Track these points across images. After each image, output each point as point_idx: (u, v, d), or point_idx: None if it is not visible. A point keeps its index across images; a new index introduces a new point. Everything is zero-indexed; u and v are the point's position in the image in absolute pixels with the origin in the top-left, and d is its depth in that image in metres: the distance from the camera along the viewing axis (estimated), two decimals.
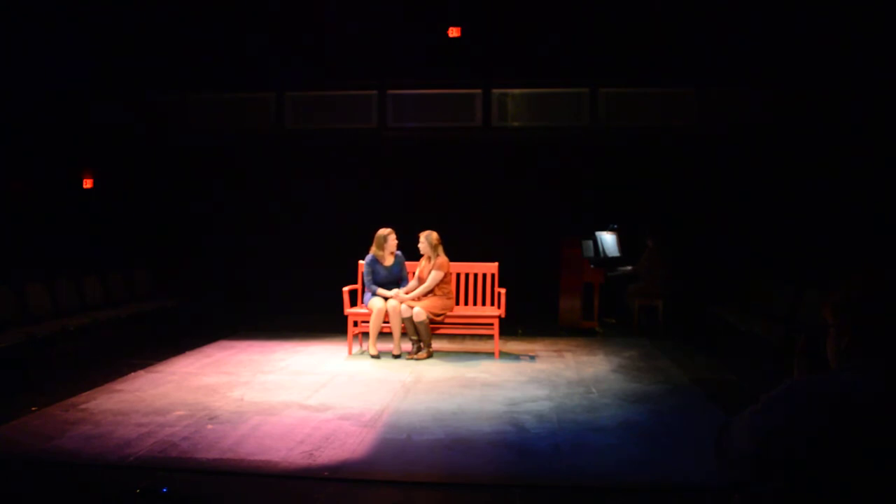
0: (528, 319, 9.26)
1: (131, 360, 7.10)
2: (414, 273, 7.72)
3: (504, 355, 7.56)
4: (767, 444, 1.30)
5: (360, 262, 7.80)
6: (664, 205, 10.11)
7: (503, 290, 7.62)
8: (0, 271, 7.87)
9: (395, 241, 7.61)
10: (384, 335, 7.63)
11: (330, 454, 4.41)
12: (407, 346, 7.55)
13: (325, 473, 4.11)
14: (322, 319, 9.09)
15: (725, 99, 9.69)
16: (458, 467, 4.24)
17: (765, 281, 8.46)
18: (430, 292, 7.46)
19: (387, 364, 7.15)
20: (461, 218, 10.04)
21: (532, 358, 7.48)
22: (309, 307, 9.96)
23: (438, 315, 7.40)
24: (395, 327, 7.39)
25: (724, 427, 1.45)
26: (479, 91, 10.02)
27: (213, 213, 10.87)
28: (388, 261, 7.59)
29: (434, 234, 7.53)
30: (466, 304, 7.91)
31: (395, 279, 7.65)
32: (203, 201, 10.86)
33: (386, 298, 7.44)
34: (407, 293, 7.49)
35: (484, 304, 7.85)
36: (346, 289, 7.71)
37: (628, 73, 9.85)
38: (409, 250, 7.74)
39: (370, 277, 7.53)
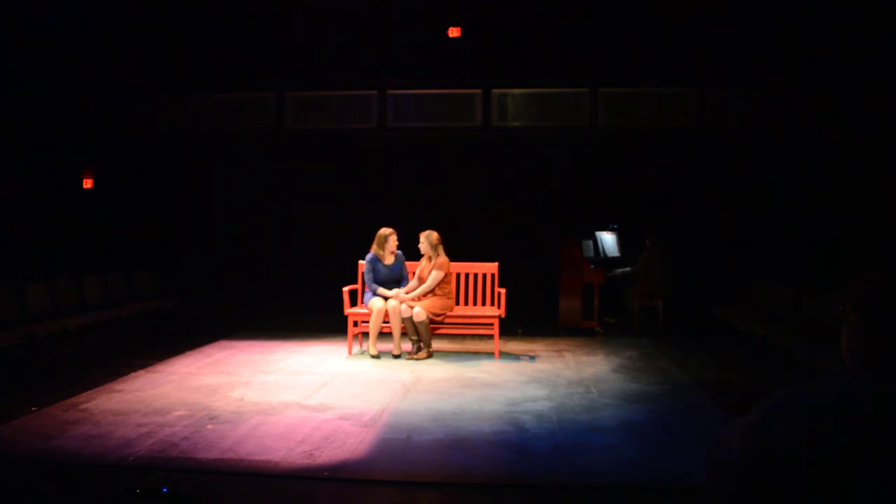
0: (528, 319, 9.26)
1: (131, 360, 7.10)
2: (414, 272, 7.72)
3: (504, 355, 7.56)
4: (765, 454, 1.26)
5: (361, 261, 7.81)
6: (664, 205, 10.11)
7: (503, 290, 7.62)
8: (0, 271, 7.87)
9: (396, 242, 7.62)
10: (384, 335, 7.63)
11: (330, 454, 4.41)
12: (407, 346, 7.55)
13: (325, 473, 4.11)
14: (322, 319, 9.08)
15: (725, 99, 9.69)
16: (458, 467, 4.24)
17: (765, 281, 8.46)
18: (431, 292, 7.46)
19: (387, 364, 7.15)
20: (461, 218, 10.03)
21: (532, 358, 7.48)
22: (309, 307, 9.96)
23: (438, 315, 7.40)
24: (395, 327, 7.39)
25: (717, 440, 1.40)
26: (479, 91, 10.02)
27: (212, 213, 10.87)
28: (389, 260, 7.59)
29: (434, 234, 7.53)
30: (466, 304, 7.91)
31: (395, 278, 7.66)
32: (203, 201, 10.86)
33: (386, 298, 7.44)
34: (407, 293, 7.49)
35: (484, 304, 7.85)
36: (346, 289, 7.71)
37: (628, 73, 9.85)
38: (410, 250, 7.74)
39: (371, 276, 7.53)
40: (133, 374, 6.55)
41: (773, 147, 9.68)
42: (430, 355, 7.41)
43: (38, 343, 6.68)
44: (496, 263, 7.87)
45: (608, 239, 9.97)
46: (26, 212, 9.98)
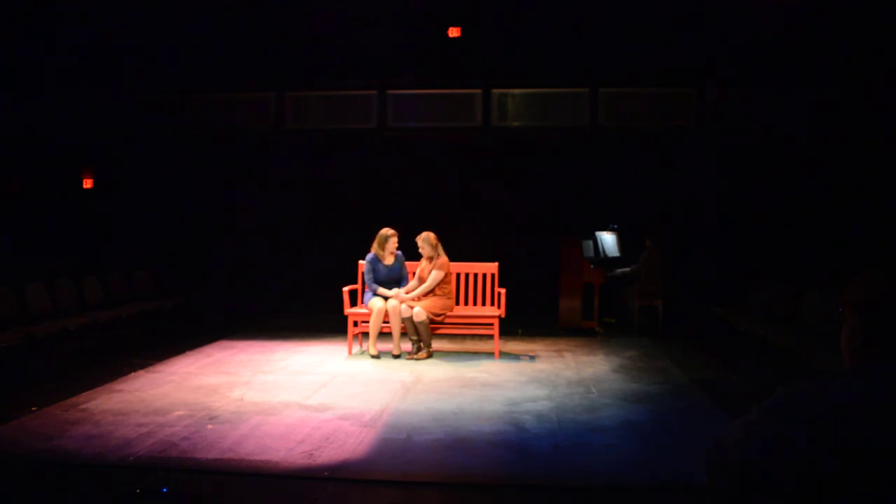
0: (528, 319, 9.26)
1: (131, 360, 7.10)
2: (414, 273, 7.72)
3: (504, 355, 7.56)
4: (765, 454, 1.25)
5: (361, 262, 7.81)
6: (664, 205, 10.11)
7: (503, 290, 7.61)
8: (0, 271, 7.87)
9: (396, 243, 7.62)
10: (384, 335, 7.63)
11: (330, 454, 4.41)
12: (407, 346, 7.55)
13: (325, 473, 4.12)
14: (322, 319, 9.08)
15: (725, 99, 9.69)
16: (458, 467, 4.24)
17: (765, 281, 8.46)
18: (431, 292, 7.46)
19: (387, 364, 7.15)
20: (461, 218, 10.03)
21: (532, 358, 7.48)
22: (309, 307, 9.96)
23: (438, 315, 7.40)
24: (395, 327, 7.39)
25: (717, 440, 1.39)
26: (479, 91, 10.02)
27: (212, 213, 10.87)
28: (389, 260, 7.60)
29: (432, 235, 7.52)
30: (466, 304, 7.91)
31: (395, 278, 7.66)
32: (203, 201, 10.86)
33: (386, 298, 7.45)
34: (407, 293, 7.49)
35: (484, 304, 7.85)
36: (346, 289, 7.71)
37: (628, 73, 9.85)
38: (410, 250, 7.74)
39: (371, 276, 7.54)
40: (133, 374, 6.55)
41: (773, 147, 9.67)
42: (430, 355, 7.41)
43: (38, 343, 6.68)
44: (496, 263, 7.87)
45: (608, 239, 9.97)
46: (26, 212, 9.97)
